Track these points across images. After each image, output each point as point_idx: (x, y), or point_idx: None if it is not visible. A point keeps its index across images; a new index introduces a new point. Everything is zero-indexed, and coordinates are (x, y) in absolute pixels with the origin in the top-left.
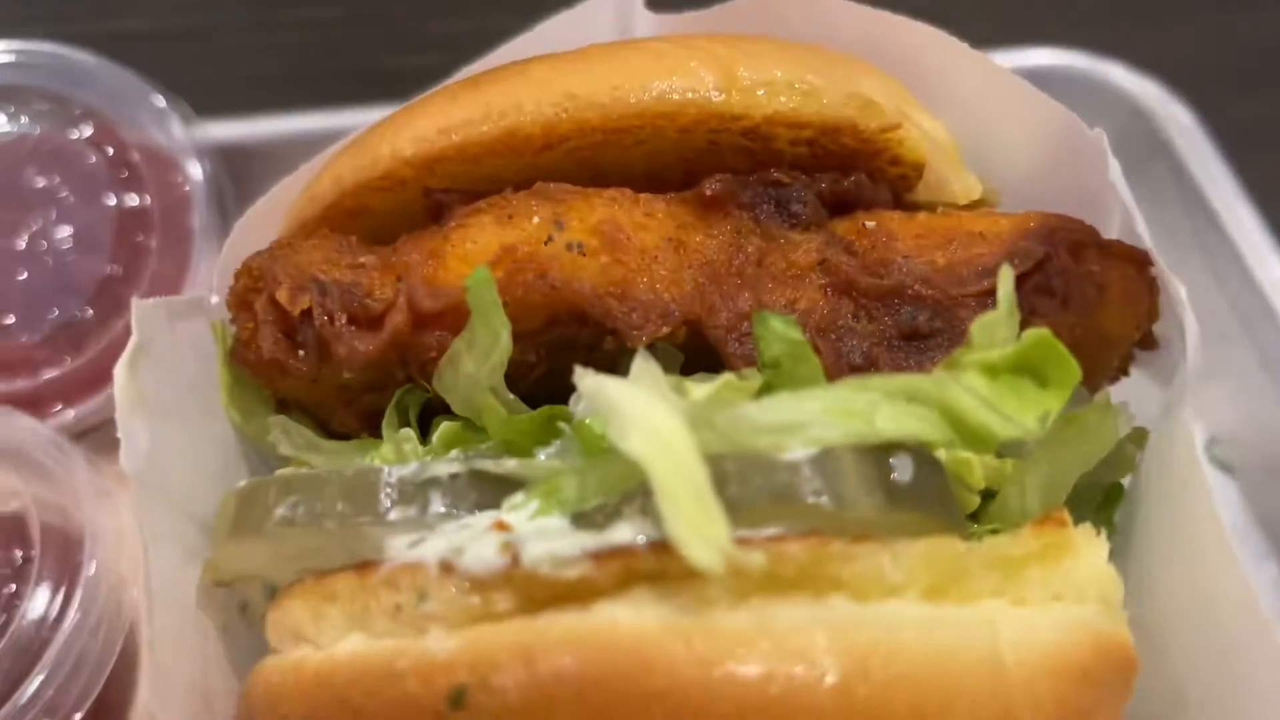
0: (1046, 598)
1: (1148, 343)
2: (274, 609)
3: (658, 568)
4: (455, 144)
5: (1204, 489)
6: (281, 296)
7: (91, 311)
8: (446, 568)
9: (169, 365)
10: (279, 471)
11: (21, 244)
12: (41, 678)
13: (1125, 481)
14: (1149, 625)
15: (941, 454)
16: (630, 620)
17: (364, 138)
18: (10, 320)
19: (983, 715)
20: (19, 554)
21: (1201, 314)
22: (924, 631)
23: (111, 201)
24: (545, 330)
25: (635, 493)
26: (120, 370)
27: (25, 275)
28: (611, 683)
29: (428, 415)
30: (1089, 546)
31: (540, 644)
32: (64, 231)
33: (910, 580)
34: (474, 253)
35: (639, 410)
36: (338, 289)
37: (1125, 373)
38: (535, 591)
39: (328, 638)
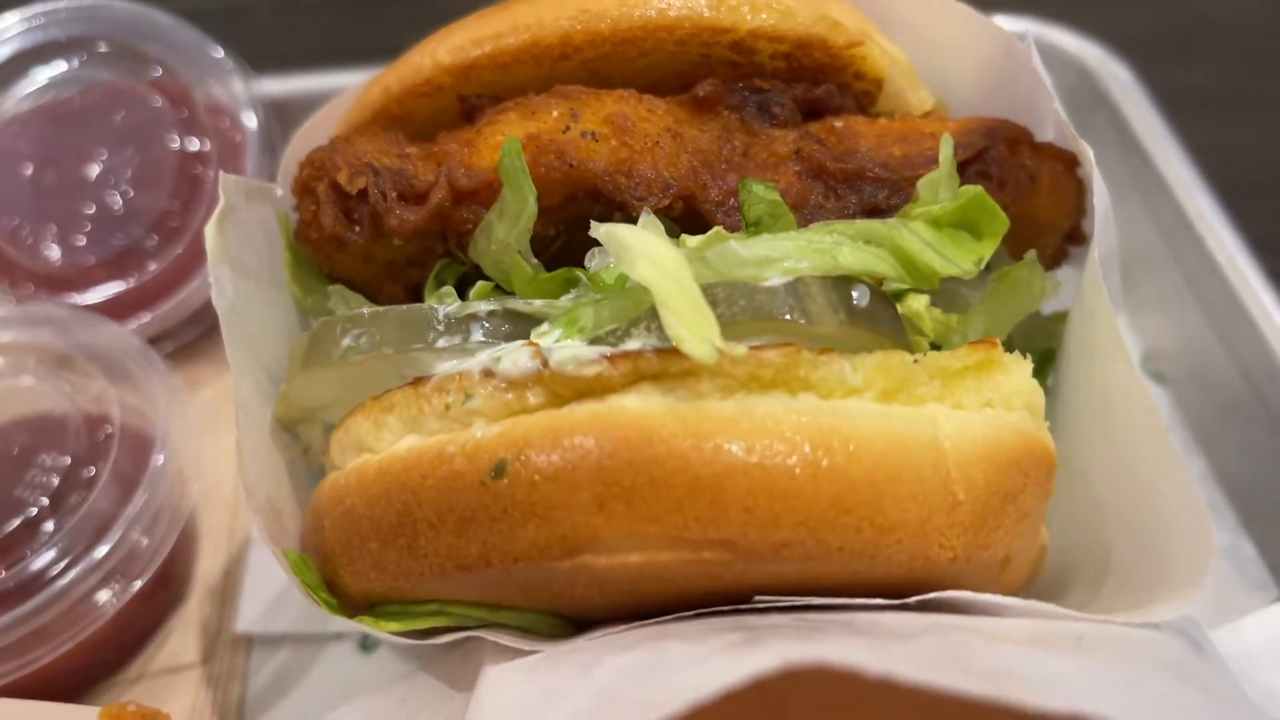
0: (980, 404)
1: (1076, 236)
2: (337, 431)
3: (660, 368)
4: (487, 54)
5: (1117, 336)
6: (341, 179)
7: (154, 239)
8: (487, 373)
9: (245, 234)
10: (344, 311)
11: (93, 175)
12: (109, 545)
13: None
14: (1075, 459)
15: (893, 287)
16: (638, 407)
17: (408, 54)
18: (81, 243)
19: (924, 487)
20: (102, 443)
21: (1137, 244)
22: (878, 422)
23: (175, 144)
24: (564, 206)
25: (641, 318)
26: (210, 228)
27: (95, 204)
28: (622, 453)
29: (463, 288)
30: (1016, 365)
31: (565, 426)
32: (131, 166)
33: (867, 384)
34: (503, 141)
35: (645, 245)
36: (388, 172)
37: (1058, 263)
38: (560, 388)
39: (385, 442)
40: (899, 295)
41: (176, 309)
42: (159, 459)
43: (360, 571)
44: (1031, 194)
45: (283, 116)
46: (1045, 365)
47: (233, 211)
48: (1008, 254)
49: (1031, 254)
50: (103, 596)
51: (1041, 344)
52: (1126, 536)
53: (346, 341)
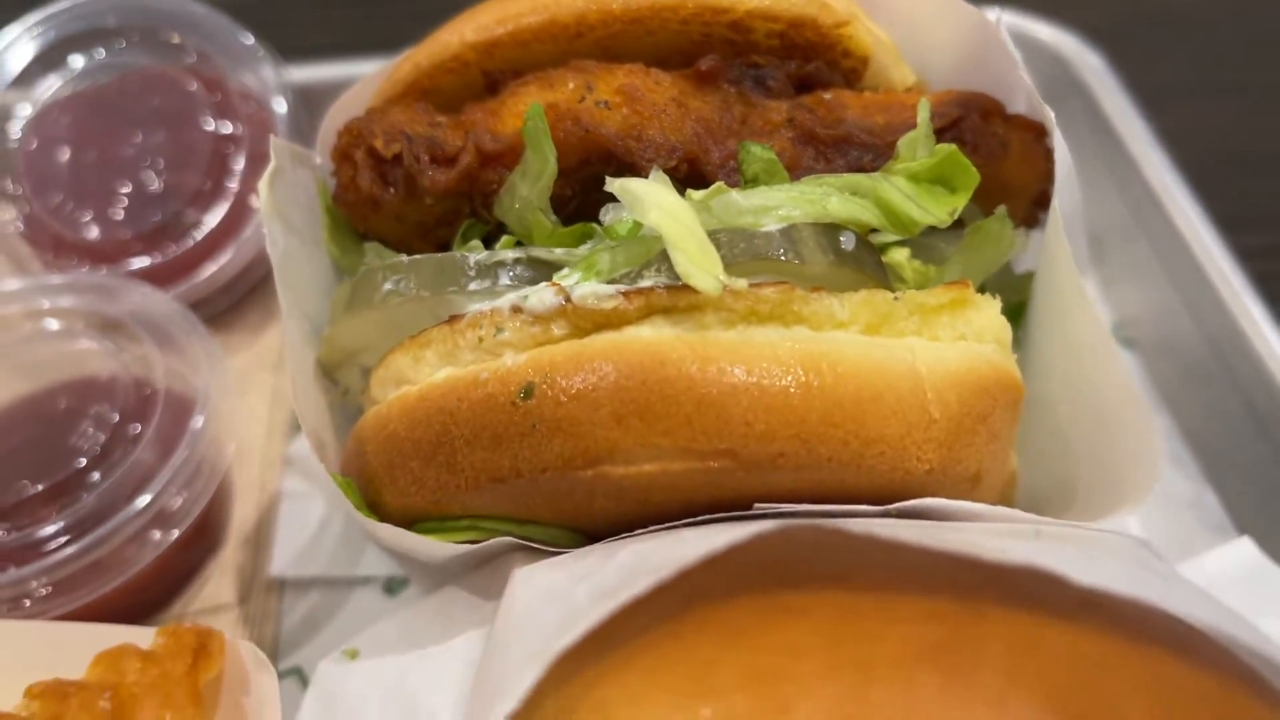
0: (954, 337)
1: (1044, 201)
2: (378, 369)
3: (670, 302)
4: (509, 32)
5: (1076, 280)
6: (377, 144)
7: (188, 215)
8: (516, 309)
9: (291, 195)
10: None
11: (129, 156)
12: (150, 496)
13: None
14: (1043, 398)
15: (877, 240)
16: (651, 335)
17: (436, 33)
18: (119, 218)
19: (903, 406)
20: (147, 402)
21: (1108, 219)
22: (862, 350)
23: (208, 126)
24: (579, 168)
25: (652, 261)
26: (263, 185)
27: (131, 183)
28: (637, 374)
29: (488, 244)
30: (986, 303)
31: (587, 353)
32: (166, 148)
33: (852, 318)
34: (525, 109)
35: (655, 195)
36: (420, 138)
37: (1029, 225)
38: (582, 321)
39: (424, 374)
40: (883, 248)
41: (210, 280)
42: (199, 420)
43: (402, 489)
44: (1002, 159)
45: (309, 102)
46: (1016, 318)
47: (281, 173)
48: (981, 214)
49: (1001, 209)
50: (144, 542)
51: (1012, 298)
52: (1089, 466)
53: (387, 286)
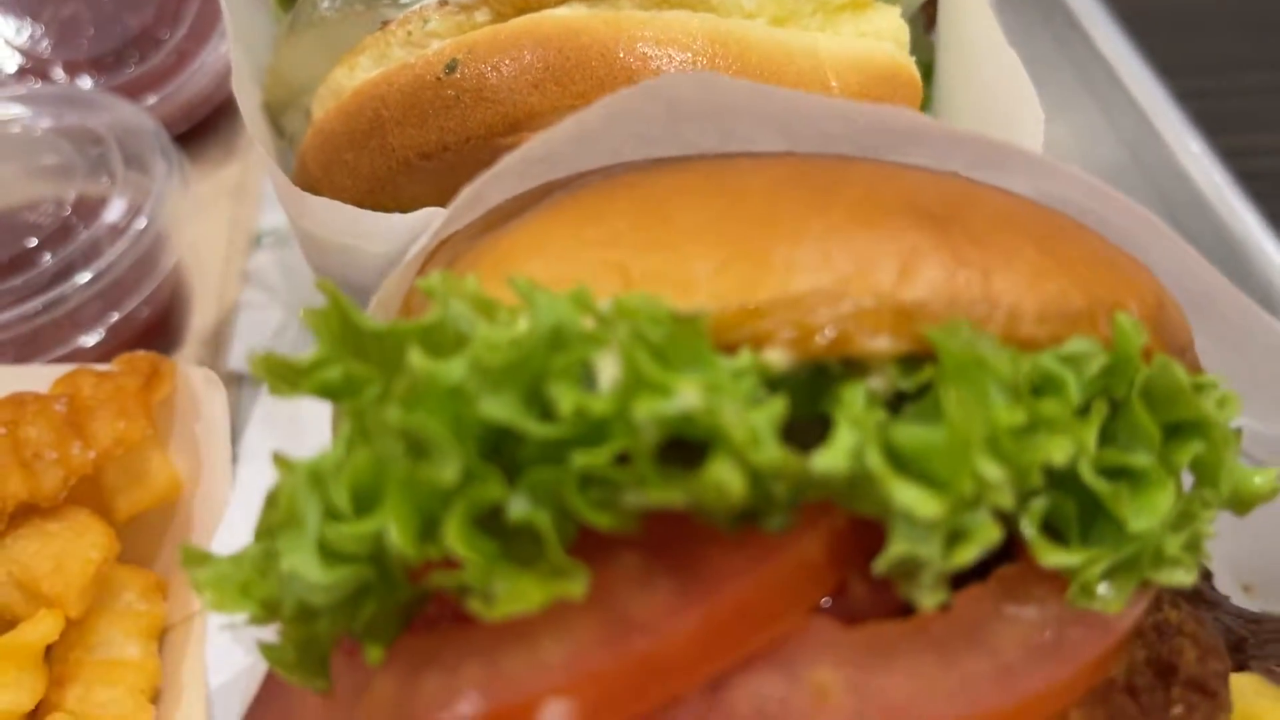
0: (855, 34)
1: None
2: (319, 90)
3: None
4: None
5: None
6: None
7: (143, 36)
8: (442, 2)
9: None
10: None
11: None
12: (93, 274)
13: None
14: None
15: None
16: (567, 14)
17: None
18: (77, 40)
19: (806, 80)
20: (102, 193)
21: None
22: (767, 33)
23: None
24: None
25: None
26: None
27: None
28: (554, 44)
29: None
30: (887, 8)
31: (507, 30)
32: None
33: (759, 10)
34: None
35: None
36: None
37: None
38: (503, 7)
39: (358, 78)
40: None
41: (164, 102)
42: (142, 221)
43: (339, 185)
44: None
45: None
46: (927, 77)
47: None
48: None
49: None
50: (89, 313)
51: (924, 59)
52: None
53: (324, 4)
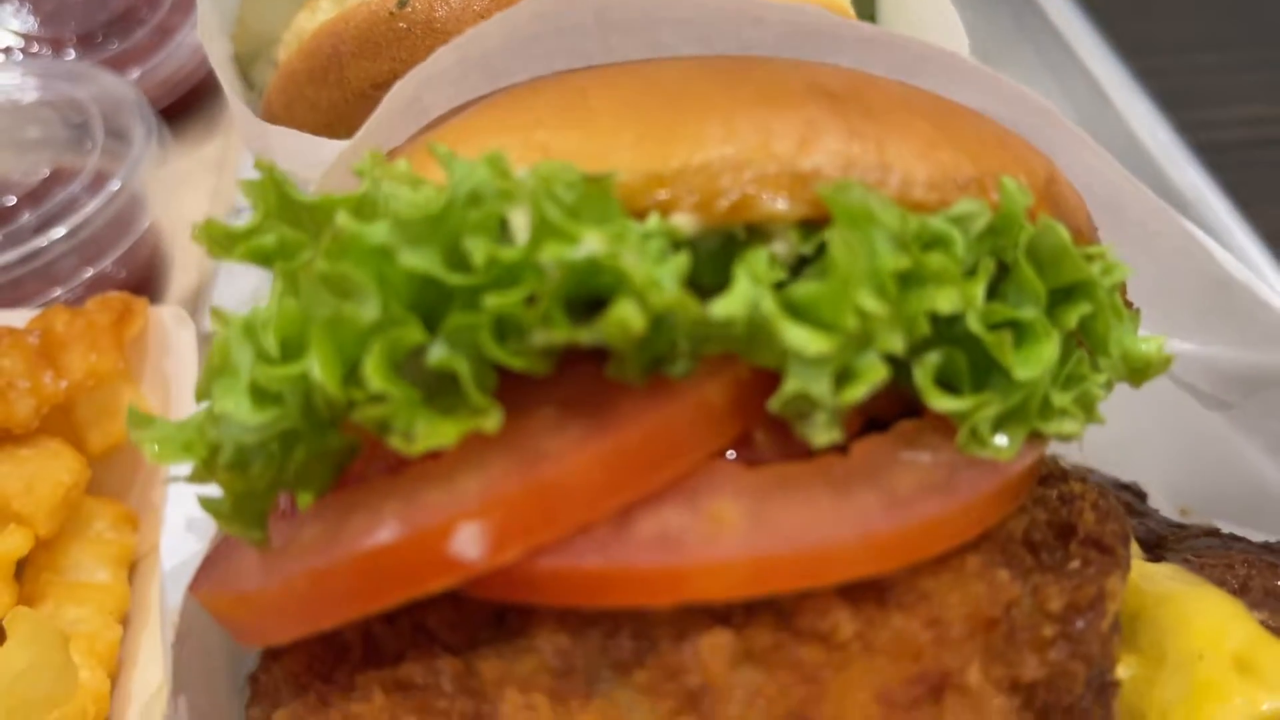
0: None
1: None
2: (284, 36)
3: None
4: None
5: None
6: None
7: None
8: None
9: None
10: None
11: None
12: (68, 229)
13: None
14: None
15: None
16: None
17: None
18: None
19: None
20: (84, 158)
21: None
22: None
23: None
24: None
25: None
26: None
27: None
28: None
29: None
30: None
31: None
32: None
33: None
34: None
35: None
36: None
37: None
38: None
39: (319, 19)
40: None
41: (146, 77)
42: (116, 183)
43: (300, 119)
44: None
45: None
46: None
47: None
48: None
49: None
50: (66, 267)
51: (867, 13)
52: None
53: None
